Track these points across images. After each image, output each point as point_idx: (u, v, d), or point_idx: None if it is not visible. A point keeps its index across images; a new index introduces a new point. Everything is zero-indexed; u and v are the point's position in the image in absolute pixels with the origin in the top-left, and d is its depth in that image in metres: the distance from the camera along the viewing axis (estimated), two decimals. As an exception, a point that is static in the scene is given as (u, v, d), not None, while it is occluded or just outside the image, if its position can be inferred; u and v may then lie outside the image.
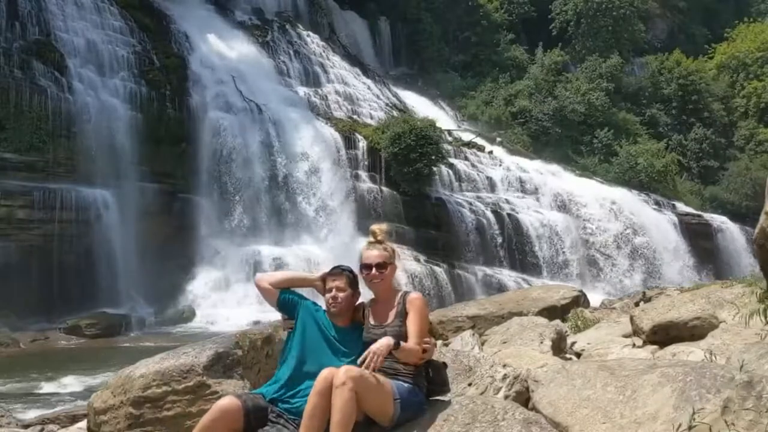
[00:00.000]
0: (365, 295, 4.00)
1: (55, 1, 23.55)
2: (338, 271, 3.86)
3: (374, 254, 3.82)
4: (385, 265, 3.80)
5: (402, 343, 3.54)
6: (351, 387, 3.29)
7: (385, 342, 3.48)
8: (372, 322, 3.80)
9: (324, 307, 3.90)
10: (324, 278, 3.89)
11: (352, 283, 3.86)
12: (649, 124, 38.79)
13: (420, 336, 3.64)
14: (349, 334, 3.80)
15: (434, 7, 39.08)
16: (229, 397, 3.59)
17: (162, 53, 25.03)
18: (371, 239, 3.92)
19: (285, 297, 3.94)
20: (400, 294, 3.82)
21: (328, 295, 3.82)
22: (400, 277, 20.85)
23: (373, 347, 3.45)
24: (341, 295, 3.80)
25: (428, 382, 3.71)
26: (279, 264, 21.98)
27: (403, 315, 3.71)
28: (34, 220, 19.24)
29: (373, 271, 3.78)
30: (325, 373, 3.39)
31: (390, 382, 3.52)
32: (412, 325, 3.64)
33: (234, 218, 23.23)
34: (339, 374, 3.33)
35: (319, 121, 26.70)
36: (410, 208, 25.04)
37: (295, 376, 3.69)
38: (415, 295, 3.77)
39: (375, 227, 3.96)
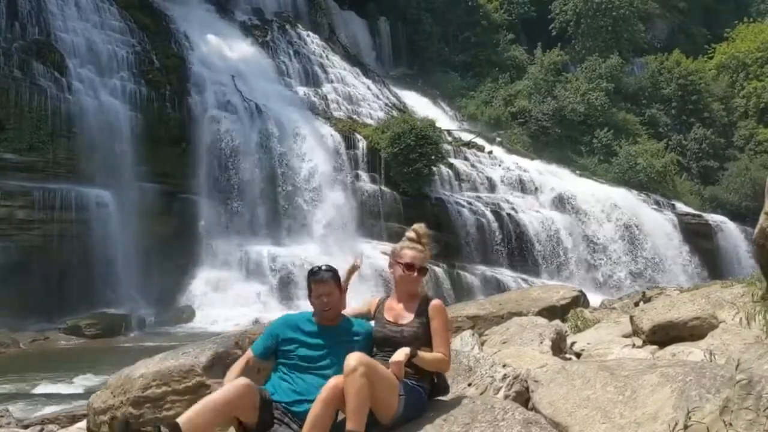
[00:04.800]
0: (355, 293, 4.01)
1: (55, 1, 23.54)
2: (323, 277, 3.79)
3: (411, 254, 3.80)
4: (420, 270, 3.80)
5: (420, 353, 3.56)
6: (363, 372, 3.29)
7: (402, 352, 3.51)
8: (388, 318, 3.81)
9: (312, 313, 3.86)
10: (310, 284, 3.81)
11: (337, 281, 3.83)
12: (648, 124, 38.78)
13: (447, 345, 3.70)
14: (338, 335, 3.79)
15: (434, 7, 39.07)
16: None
17: (162, 53, 25.03)
18: (413, 237, 3.88)
19: (262, 351, 3.85)
20: (421, 297, 3.81)
21: (317, 301, 3.78)
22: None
23: (394, 359, 3.49)
24: (330, 299, 3.77)
25: (431, 384, 3.72)
26: (279, 264, 22.00)
27: (423, 319, 3.71)
28: (34, 221, 19.25)
29: (406, 271, 3.77)
30: (332, 382, 3.38)
31: (395, 378, 3.52)
32: (438, 335, 3.67)
33: (234, 218, 23.23)
34: (350, 361, 3.32)
35: (318, 121, 26.71)
36: (410, 208, 25.03)
37: (294, 389, 3.66)
38: (438, 303, 3.77)
39: (417, 227, 3.93)
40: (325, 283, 3.77)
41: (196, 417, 3.26)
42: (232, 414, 3.41)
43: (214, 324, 19.34)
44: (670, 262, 28.82)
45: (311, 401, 3.43)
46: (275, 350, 3.82)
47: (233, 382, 3.46)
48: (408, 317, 3.75)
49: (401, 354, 3.51)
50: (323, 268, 3.84)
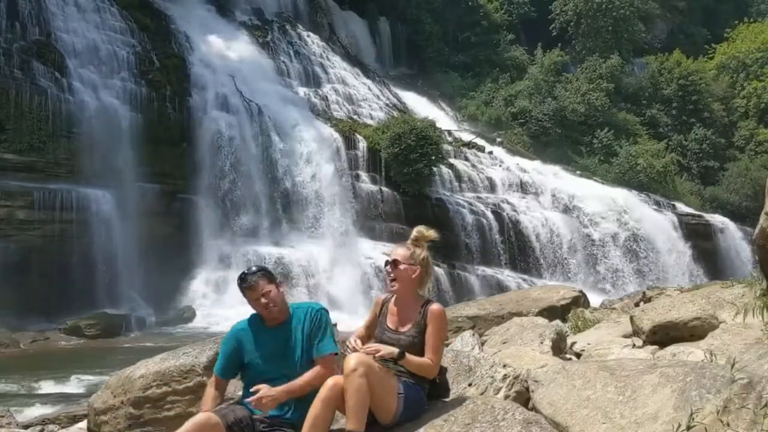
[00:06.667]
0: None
1: (55, 2, 23.56)
2: (251, 282, 3.68)
3: (395, 251, 3.77)
4: (397, 263, 3.71)
5: (408, 356, 3.54)
6: (362, 372, 3.30)
7: (389, 350, 3.53)
8: (388, 324, 3.75)
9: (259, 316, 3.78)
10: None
11: (269, 279, 3.72)
12: (649, 125, 38.78)
13: (436, 351, 3.62)
14: (291, 331, 3.71)
15: (434, 8, 39.09)
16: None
17: (162, 53, 25.04)
18: (414, 237, 3.84)
19: (224, 372, 3.78)
20: (422, 302, 3.72)
21: (256, 305, 3.70)
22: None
23: (383, 350, 3.51)
24: (269, 297, 3.68)
25: (432, 385, 3.70)
26: (279, 264, 21.99)
27: (421, 326, 3.65)
28: (34, 221, 19.26)
29: (387, 267, 3.75)
30: (330, 381, 3.37)
31: (394, 377, 3.52)
32: (429, 340, 3.62)
33: (234, 218, 23.23)
34: (350, 361, 3.33)
35: (319, 122, 26.72)
36: (410, 208, 25.04)
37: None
38: (436, 308, 3.68)
39: (421, 228, 3.88)
40: (256, 286, 3.67)
41: None
42: None
43: (214, 324, 19.34)
44: (671, 262, 28.82)
45: (295, 406, 3.47)
46: (238, 366, 3.76)
47: (193, 419, 3.43)
48: (407, 324, 3.69)
49: (387, 351, 3.52)
50: (249, 271, 3.73)
